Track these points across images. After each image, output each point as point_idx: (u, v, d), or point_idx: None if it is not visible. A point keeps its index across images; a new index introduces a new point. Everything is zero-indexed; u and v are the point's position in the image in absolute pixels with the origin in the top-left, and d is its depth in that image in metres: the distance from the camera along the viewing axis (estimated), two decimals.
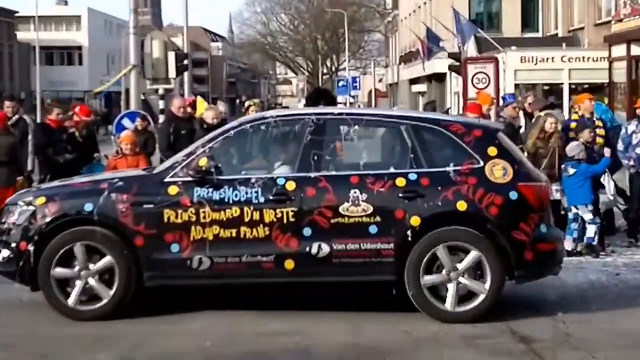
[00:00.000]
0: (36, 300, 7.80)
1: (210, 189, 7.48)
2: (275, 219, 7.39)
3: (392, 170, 7.54)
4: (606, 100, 25.33)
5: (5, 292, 8.20)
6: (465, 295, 7.43)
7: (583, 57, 28.72)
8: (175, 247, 7.44)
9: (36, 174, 12.12)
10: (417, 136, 7.63)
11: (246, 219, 7.40)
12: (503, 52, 28.04)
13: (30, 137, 12.03)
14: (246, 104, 14.07)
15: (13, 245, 7.57)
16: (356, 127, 7.74)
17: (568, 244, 10.60)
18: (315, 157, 7.55)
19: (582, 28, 31.01)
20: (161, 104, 18.70)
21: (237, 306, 7.90)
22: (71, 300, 7.52)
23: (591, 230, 10.63)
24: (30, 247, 7.50)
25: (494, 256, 7.36)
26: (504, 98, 14.51)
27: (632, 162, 11.42)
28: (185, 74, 28.28)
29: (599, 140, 11.54)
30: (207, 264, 7.43)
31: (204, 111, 12.45)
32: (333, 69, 76.36)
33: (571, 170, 10.70)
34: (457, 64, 22.04)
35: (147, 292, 7.70)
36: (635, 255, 10.71)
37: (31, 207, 7.62)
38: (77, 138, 12.19)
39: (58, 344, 6.89)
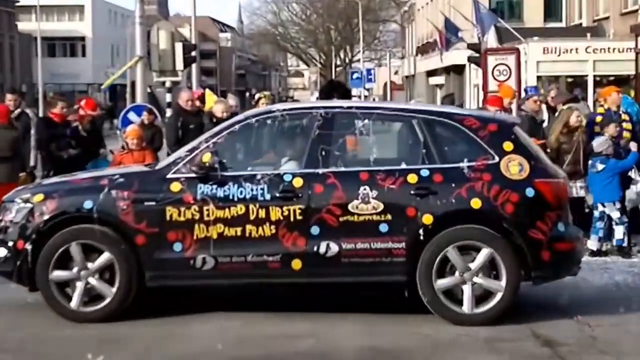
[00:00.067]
0: (42, 301, 7.81)
1: (215, 186, 7.51)
2: (281, 217, 7.42)
3: (403, 166, 7.56)
4: (632, 93, 25.23)
5: (10, 292, 8.25)
6: (482, 297, 7.44)
7: (608, 48, 28.65)
8: (178, 246, 7.48)
9: (39, 170, 12.18)
10: (430, 131, 7.65)
11: (252, 217, 7.43)
12: (525, 42, 28.00)
13: (32, 131, 12.07)
14: (256, 96, 14.13)
15: (10, 244, 7.62)
16: (366, 121, 7.75)
17: (593, 244, 10.60)
18: (324, 153, 7.57)
19: (607, 18, 30.90)
20: (168, 97, 18.76)
21: (248, 308, 7.94)
22: (74, 303, 7.57)
23: (620, 232, 10.60)
24: (28, 246, 7.55)
25: (507, 252, 7.37)
26: (525, 90, 14.51)
27: None
28: (193, 66, 28.37)
29: (626, 134, 11.53)
30: (211, 264, 7.47)
31: (214, 105, 12.49)
32: (347, 60, 76.30)
33: (600, 166, 10.67)
34: (477, 55, 22.02)
35: (156, 294, 7.77)
36: None
37: (29, 205, 7.66)
38: (81, 132, 12.25)
39: (64, 347, 6.94)
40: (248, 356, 6.76)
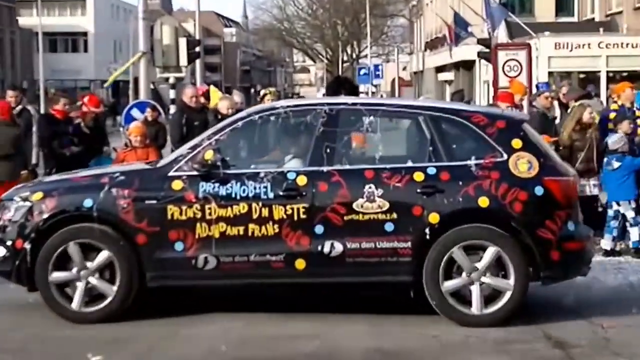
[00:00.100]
0: (42, 300, 7.78)
1: (217, 184, 7.52)
2: (285, 216, 7.42)
3: (409, 164, 7.56)
4: None
5: (11, 292, 8.26)
6: (490, 297, 7.44)
7: (622, 44, 28.59)
8: (179, 246, 7.49)
9: (41, 167, 12.21)
10: (437, 128, 7.64)
11: (254, 216, 7.44)
12: (536, 37, 27.97)
13: (34, 128, 12.09)
14: (261, 93, 14.14)
15: (9, 243, 7.64)
16: (371, 118, 7.76)
17: (607, 243, 10.58)
18: (328, 150, 7.58)
19: (620, 12, 30.84)
20: (172, 94, 18.79)
21: (251, 308, 7.95)
22: (75, 304, 7.58)
23: (635, 234, 10.55)
24: (27, 246, 7.57)
25: (514, 250, 7.36)
26: (537, 87, 14.48)
27: None
28: (197, 61, 28.36)
29: None
30: (213, 264, 7.48)
31: (219, 101, 12.52)
32: (354, 56, 76.23)
33: (616, 164, 10.64)
34: (487, 50, 21.95)
35: (158, 294, 7.79)
36: None
37: (28, 203, 7.68)
38: (83, 130, 12.27)
39: (65, 347, 6.97)
40: (252, 357, 6.78)
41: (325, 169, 7.52)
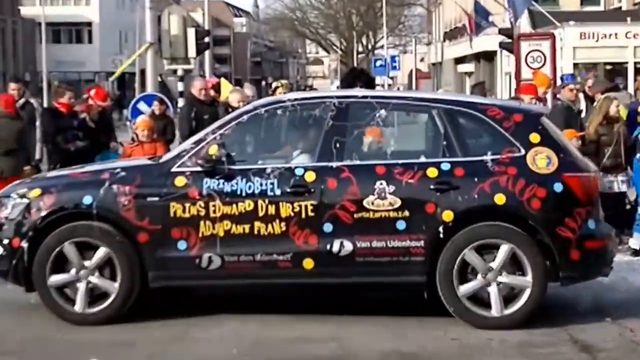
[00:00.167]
0: None
1: (221, 180, 7.53)
2: (292, 214, 7.43)
3: (422, 159, 7.55)
4: None
5: (11, 292, 8.28)
6: (509, 298, 7.42)
7: None
8: (182, 244, 7.50)
9: (45, 163, 12.25)
10: (451, 121, 7.63)
11: (261, 214, 7.45)
12: (560, 27, 27.89)
13: (38, 122, 12.12)
14: (273, 85, 14.19)
15: (5, 241, 7.65)
16: (382, 111, 7.75)
17: (636, 242, 10.51)
18: (338, 145, 7.57)
19: None
20: (180, 86, 18.84)
21: (264, 310, 7.96)
22: (78, 306, 7.60)
23: None
24: (24, 244, 7.58)
25: (530, 248, 7.34)
26: (562, 79, 14.44)
27: None
28: (206, 53, 28.42)
29: None
30: (218, 263, 7.49)
31: (229, 94, 12.53)
32: (369, 47, 76.20)
33: None
34: (509, 41, 21.93)
35: (167, 296, 7.82)
36: None
37: (25, 200, 7.69)
38: (89, 124, 12.29)
39: (71, 351, 6.99)
40: None
41: (334, 164, 7.52)
